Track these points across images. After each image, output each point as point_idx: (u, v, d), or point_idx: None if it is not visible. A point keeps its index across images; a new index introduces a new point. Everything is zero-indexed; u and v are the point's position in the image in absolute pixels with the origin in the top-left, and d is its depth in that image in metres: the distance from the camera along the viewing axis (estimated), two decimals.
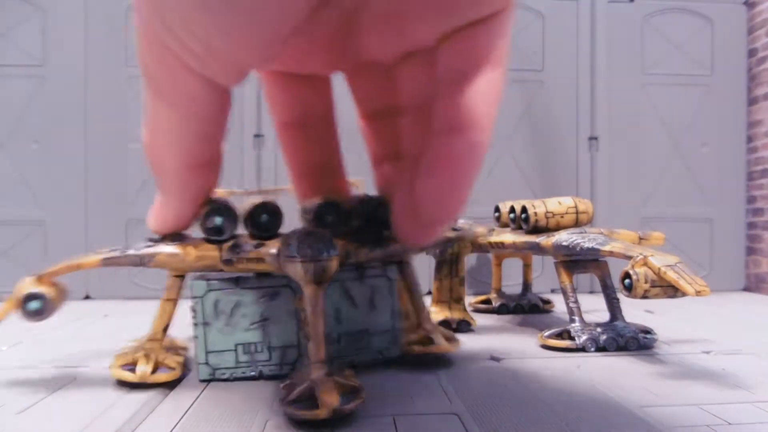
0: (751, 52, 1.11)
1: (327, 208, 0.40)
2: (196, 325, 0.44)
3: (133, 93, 1.00)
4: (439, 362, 0.49)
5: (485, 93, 0.19)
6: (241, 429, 0.34)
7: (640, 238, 0.64)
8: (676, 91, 1.09)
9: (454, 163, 0.20)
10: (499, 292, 0.81)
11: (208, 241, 0.42)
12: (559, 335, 0.55)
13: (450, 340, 0.49)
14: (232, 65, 0.18)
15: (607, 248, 0.51)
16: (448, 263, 0.66)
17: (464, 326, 0.64)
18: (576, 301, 0.57)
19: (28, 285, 0.40)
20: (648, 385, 0.42)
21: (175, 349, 0.47)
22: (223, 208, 0.40)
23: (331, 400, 0.34)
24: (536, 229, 0.61)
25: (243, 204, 0.43)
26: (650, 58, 1.09)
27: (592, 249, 0.52)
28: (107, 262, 0.42)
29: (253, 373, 0.45)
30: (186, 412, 0.37)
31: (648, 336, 0.55)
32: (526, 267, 0.81)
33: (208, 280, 0.44)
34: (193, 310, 0.44)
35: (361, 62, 0.23)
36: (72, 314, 0.79)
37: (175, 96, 0.20)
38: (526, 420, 0.35)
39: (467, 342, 0.59)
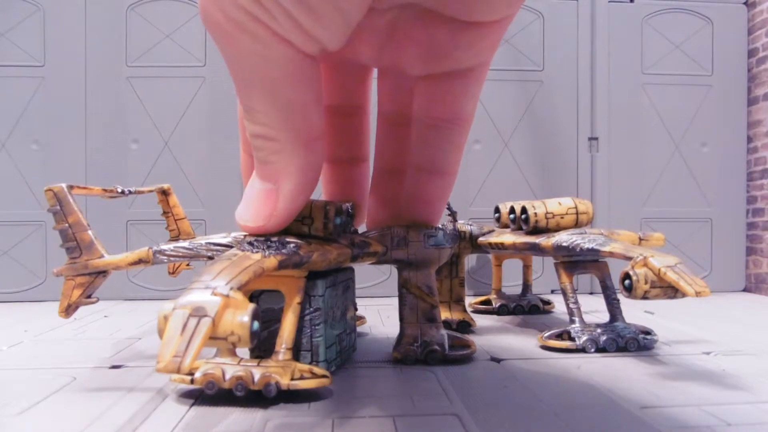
0: (751, 52, 1.11)
1: (338, 214, 0.45)
2: (317, 325, 0.42)
3: (133, 93, 1.00)
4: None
5: (457, 146, 0.23)
6: (242, 429, 0.34)
7: (641, 239, 0.64)
8: (676, 91, 1.09)
9: (431, 202, 0.25)
10: (499, 293, 0.81)
11: (328, 240, 0.41)
12: (559, 336, 0.55)
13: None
14: (332, 21, 0.18)
15: (606, 249, 0.51)
16: (447, 264, 0.65)
17: (464, 327, 0.64)
18: (576, 302, 0.57)
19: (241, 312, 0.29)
20: (648, 385, 0.42)
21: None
22: (340, 209, 0.40)
23: (470, 344, 0.50)
24: (536, 230, 0.60)
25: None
26: (650, 58, 1.09)
27: (592, 250, 0.52)
28: (282, 264, 0.36)
29: (343, 361, 0.48)
30: (186, 412, 0.37)
31: (648, 337, 0.55)
32: (526, 268, 0.81)
33: (318, 279, 0.43)
34: (315, 309, 0.42)
35: (343, 58, 0.25)
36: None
37: (275, 70, 0.19)
38: (526, 420, 0.35)
39: None
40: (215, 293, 0.28)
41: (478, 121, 1.05)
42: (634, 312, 0.79)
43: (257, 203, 0.23)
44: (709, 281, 1.05)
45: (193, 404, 0.38)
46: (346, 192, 0.30)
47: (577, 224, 0.60)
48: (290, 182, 0.23)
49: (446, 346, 0.49)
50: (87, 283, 0.53)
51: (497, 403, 0.38)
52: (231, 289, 0.29)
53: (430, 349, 0.48)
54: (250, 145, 0.24)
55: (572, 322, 0.56)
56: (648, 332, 0.55)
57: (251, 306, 0.28)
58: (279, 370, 0.38)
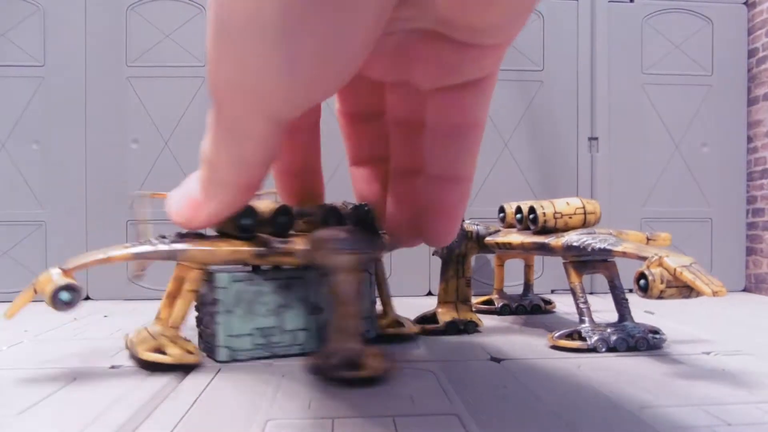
0: (751, 52, 1.11)
1: (330, 212, 0.47)
2: (218, 313, 0.48)
3: (133, 93, 1.00)
4: (406, 339, 0.58)
5: (472, 150, 0.24)
6: (242, 428, 0.34)
7: (648, 239, 0.64)
8: (676, 91, 1.09)
9: (452, 210, 0.25)
10: (501, 293, 0.80)
11: (239, 238, 0.47)
12: (570, 336, 0.55)
13: (415, 325, 0.59)
14: (297, 106, 0.20)
15: (619, 249, 0.51)
16: (454, 264, 0.65)
17: (471, 327, 0.63)
18: (586, 302, 0.56)
19: (57, 277, 0.43)
20: (648, 385, 0.42)
21: (182, 336, 0.50)
22: (251, 211, 0.47)
23: (377, 363, 0.42)
24: (544, 230, 0.60)
25: (259, 206, 0.50)
26: (650, 58, 1.09)
27: (605, 250, 0.52)
28: (139, 257, 0.47)
29: (267, 354, 0.50)
30: (186, 412, 0.37)
31: (657, 336, 0.55)
32: (528, 268, 0.81)
33: (230, 272, 0.49)
34: (215, 299, 0.48)
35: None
36: (72, 314, 0.79)
37: (236, 127, 0.20)
38: (526, 420, 0.35)
39: (468, 342, 0.59)
40: (60, 268, 0.44)
41: None
42: (634, 312, 0.79)
43: (183, 205, 0.25)
44: None
45: (193, 404, 0.38)
46: (375, 192, 0.30)
47: (585, 224, 0.60)
48: (215, 209, 0.24)
49: (342, 363, 0.42)
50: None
51: (497, 403, 0.38)
52: (68, 267, 0.44)
53: (327, 364, 0.43)
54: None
55: (582, 321, 0.55)
56: (656, 331, 0.55)
57: (65, 281, 0.43)
58: (149, 339, 0.47)
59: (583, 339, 0.54)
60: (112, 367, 0.49)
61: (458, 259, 0.65)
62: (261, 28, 0.16)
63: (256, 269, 0.51)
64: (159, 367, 0.46)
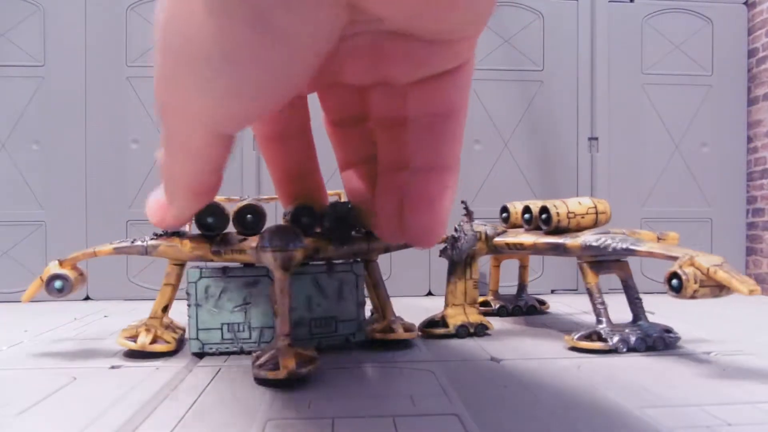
0: (751, 52, 1.11)
1: (302, 211, 0.48)
2: (189, 306, 0.52)
3: (133, 93, 1.00)
4: (400, 345, 0.56)
5: (454, 138, 0.23)
6: (242, 428, 0.34)
7: (659, 238, 0.63)
8: (676, 91, 1.09)
9: (433, 201, 0.24)
10: (497, 294, 0.80)
11: (202, 235, 0.50)
12: (588, 337, 0.54)
13: (408, 330, 0.55)
14: (239, 124, 0.21)
15: (644, 249, 0.50)
16: (462, 265, 0.64)
17: (481, 330, 0.62)
18: (603, 302, 0.56)
19: (52, 268, 0.51)
20: (648, 385, 0.42)
21: (173, 328, 0.56)
22: (214, 209, 0.49)
23: (289, 364, 0.41)
24: (557, 230, 0.59)
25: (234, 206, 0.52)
26: (650, 58, 1.09)
27: (627, 249, 0.52)
28: (118, 251, 0.52)
29: (235, 349, 0.52)
30: (186, 412, 0.37)
31: (671, 335, 0.55)
32: (523, 268, 0.80)
33: (201, 268, 0.52)
34: (188, 293, 0.52)
35: (333, 82, 0.25)
36: (72, 314, 0.79)
37: (183, 142, 0.22)
38: (525, 420, 0.35)
39: (468, 342, 0.59)
40: (58, 260, 0.52)
41: (478, 121, 1.05)
42: None
43: (155, 210, 0.26)
44: None
45: (192, 404, 0.38)
46: (366, 191, 0.31)
47: (596, 224, 0.59)
48: (177, 209, 0.26)
49: (265, 362, 0.43)
50: None
51: (497, 403, 0.38)
52: (64, 260, 0.52)
53: (253, 363, 0.44)
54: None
55: (599, 322, 0.55)
56: (669, 330, 0.55)
57: (60, 271, 0.50)
58: (131, 329, 0.53)
59: (603, 340, 0.53)
60: (112, 367, 0.49)
61: (466, 261, 0.64)
62: (206, 56, 0.17)
63: (225, 267, 0.53)
64: (135, 354, 0.51)
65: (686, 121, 1.09)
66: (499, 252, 0.67)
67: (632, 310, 0.57)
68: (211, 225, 0.49)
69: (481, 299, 0.78)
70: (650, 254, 0.50)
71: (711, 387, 0.42)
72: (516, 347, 0.56)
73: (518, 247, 0.63)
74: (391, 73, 0.22)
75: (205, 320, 0.52)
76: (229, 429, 0.34)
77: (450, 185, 0.25)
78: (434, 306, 0.71)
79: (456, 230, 0.63)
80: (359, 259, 0.56)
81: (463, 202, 0.66)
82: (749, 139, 1.11)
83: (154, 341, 0.51)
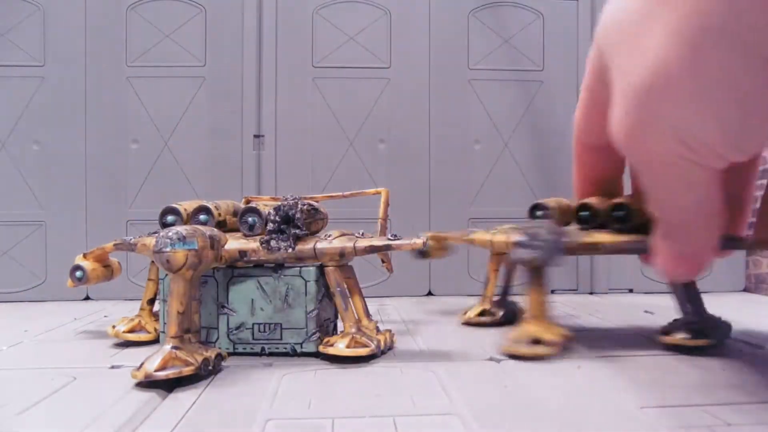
0: None
1: (249, 212, 0.49)
2: (159, 300, 0.55)
3: (133, 93, 1.00)
4: (356, 360, 0.49)
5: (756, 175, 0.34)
6: (242, 429, 0.34)
7: None
8: None
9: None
10: (493, 301, 0.70)
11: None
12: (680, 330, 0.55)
13: (363, 345, 0.49)
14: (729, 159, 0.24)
15: None
16: (537, 271, 0.55)
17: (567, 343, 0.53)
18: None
19: (77, 260, 0.60)
20: (648, 385, 0.42)
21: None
22: (172, 210, 0.55)
23: (148, 367, 0.41)
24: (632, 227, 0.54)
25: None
26: None
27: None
28: (117, 247, 0.59)
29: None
30: (186, 412, 0.37)
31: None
32: (510, 271, 0.71)
33: None
34: (159, 288, 0.55)
35: None
36: (72, 314, 0.79)
37: (686, 184, 0.26)
38: (525, 420, 0.35)
39: (468, 342, 0.59)
40: (83, 254, 0.61)
41: (478, 121, 1.05)
42: (633, 312, 0.79)
43: (681, 264, 0.31)
44: (709, 281, 1.05)
45: (193, 404, 0.38)
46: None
47: None
48: (707, 247, 0.30)
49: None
50: None
51: (497, 403, 0.38)
52: (88, 253, 0.61)
53: None
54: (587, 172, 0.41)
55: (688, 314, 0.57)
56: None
57: (80, 263, 0.60)
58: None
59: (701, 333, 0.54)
60: (112, 367, 0.49)
61: (539, 267, 0.55)
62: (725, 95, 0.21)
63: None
64: (135, 354, 0.53)
65: None
66: (570, 254, 0.57)
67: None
68: (170, 225, 0.53)
69: (478, 308, 0.70)
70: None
71: (711, 387, 0.42)
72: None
73: (593, 248, 0.56)
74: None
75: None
76: (229, 429, 0.34)
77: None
78: (435, 306, 0.71)
79: (537, 231, 0.52)
80: (312, 265, 0.51)
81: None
82: None
83: (134, 330, 0.58)
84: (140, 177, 1.00)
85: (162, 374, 0.41)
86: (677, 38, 0.20)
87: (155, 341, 0.57)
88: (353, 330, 0.51)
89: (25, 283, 0.97)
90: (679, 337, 0.54)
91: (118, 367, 0.49)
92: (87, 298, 0.97)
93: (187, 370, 0.43)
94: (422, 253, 0.65)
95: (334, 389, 0.41)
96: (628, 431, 0.33)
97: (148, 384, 0.41)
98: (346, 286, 0.53)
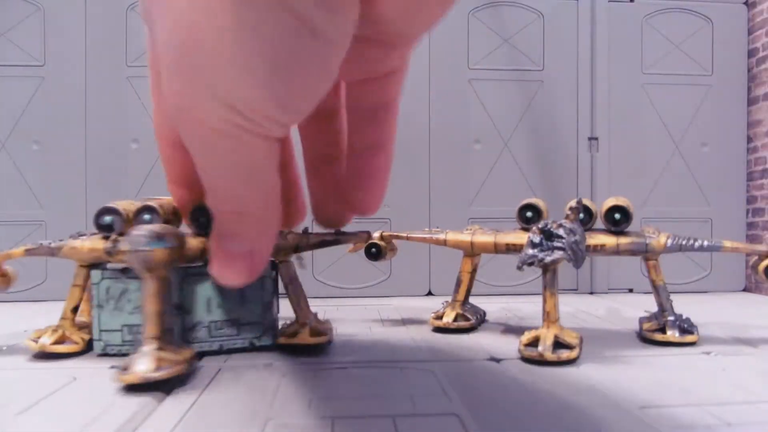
0: (751, 52, 1.11)
1: (199, 210, 0.47)
2: (93, 306, 0.52)
3: (133, 93, 1.00)
4: (313, 351, 0.52)
5: (393, 122, 0.27)
6: (242, 428, 0.34)
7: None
8: (676, 91, 1.09)
9: (378, 172, 0.27)
10: (465, 305, 0.67)
11: (102, 236, 0.52)
12: (662, 330, 0.57)
13: (318, 334, 0.52)
14: (285, 124, 0.22)
15: (729, 245, 0.56)
16: (552, 273, 0.53)
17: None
18: (669, 297, 0.60)
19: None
20: (648, 385, 0.42)
21: (87, 328, 0.54)
22: (109, 210, 0.52)
23: (140, 369, 0.40)
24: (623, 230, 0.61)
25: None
26: (650, 58, 1.09)
27: (713, 246, 0.56)
28: (29, 253, 0.56)
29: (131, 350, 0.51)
30: (186, 412, 0.37)
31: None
32: (473, 273, 0.68)
33: (103, 269, 0.52)
34: (91, 294, 0.52)
35: None
36: None
37: (251, 161, 0.23)
38: (525, 420, 0.35)
39: (468, 342, 0.59)
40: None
41: (478, 121, 1.05)
42: (634, 311, 0.79)
43: (240, 268, 0.26)
44: (709, 281, 1.05)
45: (193, 404, 0.38)
46: (332, 189, 0.32)
47: None
48: (263, 245, 0.26)
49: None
50: None
51: (497, 403, 0.38)
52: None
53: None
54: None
55: (673, 316, 0.58)
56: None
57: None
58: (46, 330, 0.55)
59: (688, 331, 0.57)
60: (112, 367, 0.49)
61: (553, 269, 0.53)
62: (253, 66, 0.18)
63: (126, 268, 0.51)
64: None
65: (686, 121, 1.09)
66: None
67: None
68: (110, 224, 0.51)
69: (452, 313, 0.65)
70: (736, 250, 0.57)
71: (711, 387, 0.42)
72: (516, 347, 0.56)
73: (598, 250, 0.58)
74: (349, 71, 0.24)
75: (107, 321, 0.52)
76: (229, 429, 0.34)
77: (390, 160, 0.28)
78: (434, 306, 0.71)
79: (557, 230, 0.50)
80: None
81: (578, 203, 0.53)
82: (749, 139, 1.11)
83: (61, 341, 0.52)
84: (140, 177, 1.00)
85: (157, 375, 0.41)
86: None
87: (84, 352, 0.53)
88: (309, 320, 0.53)
89: (25, 283, 0.97)
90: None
91: (118, 367, 0.49)
92: None
93: (180, 369, 0.42)
94: (375, 254, 0.65)
95: (334, 389, 0.41)
96: (628, 431, 0.33)
97: (146, 385, 0.41)
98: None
